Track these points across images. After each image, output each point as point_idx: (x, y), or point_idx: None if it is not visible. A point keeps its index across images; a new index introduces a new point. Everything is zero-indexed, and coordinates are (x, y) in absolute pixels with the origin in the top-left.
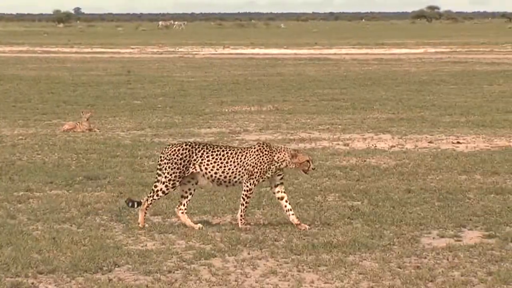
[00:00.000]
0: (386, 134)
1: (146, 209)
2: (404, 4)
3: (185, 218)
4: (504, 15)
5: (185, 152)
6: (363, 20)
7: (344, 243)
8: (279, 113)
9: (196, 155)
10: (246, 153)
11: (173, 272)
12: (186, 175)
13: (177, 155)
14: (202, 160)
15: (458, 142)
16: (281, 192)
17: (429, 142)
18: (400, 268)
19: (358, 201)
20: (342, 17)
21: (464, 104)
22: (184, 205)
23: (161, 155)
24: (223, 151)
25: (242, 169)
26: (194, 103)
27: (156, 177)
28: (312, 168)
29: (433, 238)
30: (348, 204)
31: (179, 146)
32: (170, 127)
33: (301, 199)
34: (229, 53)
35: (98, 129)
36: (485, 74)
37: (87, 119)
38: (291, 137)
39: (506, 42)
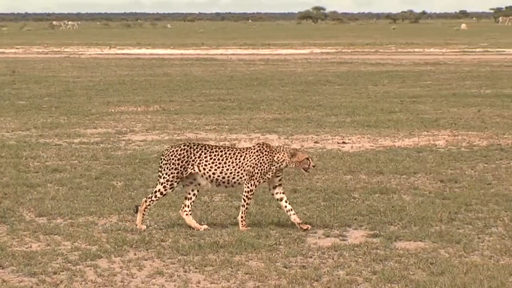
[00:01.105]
0: (272, 134)
1: (144, 211)
2: (290, 5)
3: (189, 220)
4: (388, 16)
5: (183, 153)
6: (250, 20)
7: (230, 243)
8: (166, 114)
9: (194, 155)
10: (245, 153)
11: (58, 274)
12: (184, 175)
13: (175, 156)
14: (200, 160)
15: (344, 142)
16: (280, 193)
17: (315, 142)
18: (286, 268)
19: None
20: (229, 17)
21: (350, 104)
22: (188, 206)
23: (161, 156)
24: (221, 151)
25: (241, 170)
26: (80, 104)
27: (158, 179)
28: (313, 166)
29: (319, 237)
30: (235, 204)
31: (178, 147)
32: (55, 128)
33: None
34: (115, 53)
35: None
36: (370, 74)
37: None
38: (178, 138)
39: (390, 43)
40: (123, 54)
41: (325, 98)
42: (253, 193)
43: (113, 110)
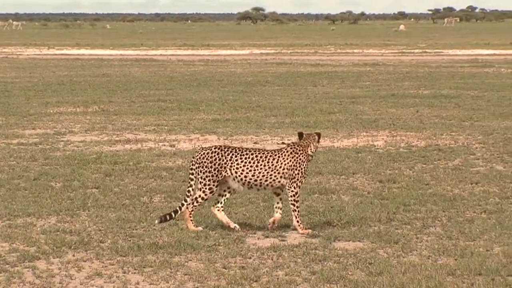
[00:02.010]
0: (212, 135)
1: (190, 217)
2: (230, 6)
3: (221, 215)
4: (327, 17)
5: (215, 156)
6: (189, 21)
7: (170, 244)
8: (105, 114)
9: (226, 158)
10: (279, 156)
11: None
12: (220, 178)
13: (207, 159)
14: (232, 163)
15: (283, 143)
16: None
17: (254, 143)
18: (225, 269)
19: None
20: (168, 18)
21: (289, 105)
22: (221, 203)
23: (192, 159)
24: (252, 154)
25: (274, 172)
26: (18, 104)
27: (189, 182)
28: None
29: (258, 238)
30: (174, 205)
31: (209, 149)
32: None
33: (127, 200)
34: (54, 54)
35: None
36: (309, 75)
37: None
38: (117, 138)
39: (329, 43)
40: (62, 54)
41: (265, 98)
42: (299, 195)
43: (51, 111)
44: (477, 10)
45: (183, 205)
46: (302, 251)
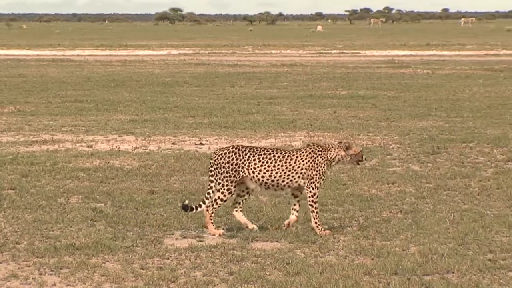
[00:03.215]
0: (129, 136)
1: (211, 219)
2: (147, 6)
3: (240, 216)
4: (245, 18)
5: (232, 155)
6: (107, 21)
7: (87, 245)
8: (21, 115)
9: (243, 158)
10: (297, 156)
11: None
12: (238, 178)
13: (224, 160)
14: (249, 163)
15: (201, 144)
16: (299, 191)
17: (172, 144)
18: (143, 269)
19: (101, 203)
20: (85, 18)
21: (207, 105)
22: (239, 203)
23: (211, 160)
24: (269, 154)
25: (291, 173)
26: None
27: (208, 183)
28: (364, 159)
29: (176, 239)
30: (92, 206)
31: (226, 149)
32: None
33: (43, 201)
34: None
35: None
36: (227, 76)
37: None
38: (34, 139)
39: (247, 44)
40: None
41: (183, 99)
42: (317, 196)
43: None
44: (393, 11)
45: (202, 204)
46: (220, 252)
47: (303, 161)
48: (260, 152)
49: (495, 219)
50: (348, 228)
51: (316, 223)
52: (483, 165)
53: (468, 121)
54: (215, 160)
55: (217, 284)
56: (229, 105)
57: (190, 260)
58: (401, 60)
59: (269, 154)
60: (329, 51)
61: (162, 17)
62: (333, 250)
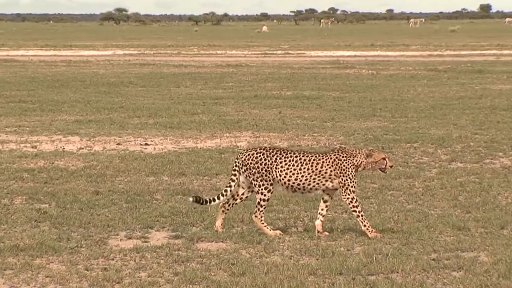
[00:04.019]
0: (74, 136)
1: (262, 223)
2: (92, 6)
3: (220, 216)
4: (190, 18)
5: (260, 156)
6: (51, 21)
7: (31, 246)
8: None
9: (271, 159)
10: (323, 161)
11: None
12: (272, 177)
13: (252, 161)
14: (276, 165)
15: (146, 144)
16: (330, 195)
17: (117, 144)
18: (88, 270)
19: (45, 203)
20: (30, 18)
21: (152, 106)
22: (230, 205)
23: (236, 160)
24: (296, 156)
25: (318, 176)
26: None
27: (229, 182)
28: (390, 166)
29: (121, 239)
30: (36, 207)
31: (254, 151)
32: None
33: None
34: None
35: None
36: (173, 76)
37: None
38: None
39: (192, 44)
40: None
41: (128, 99)
42: (356, 199)
43: None
44: (338, 12)
45: (216, 199)
46: (165, 252)
47: (328, 166)
48: (286, 154)
49: (439, 219)
50: (293, 228)
51: (365, 225)
52: (427, 165)
53: (413, 122)
54: (242, 161)
55: (162, 285)
56: (174, 106)
57: (135, 260)
58: (346, 60)
59: (295, 157)
60: (275, 52)
61: (107, 17)
62: (278, 251)
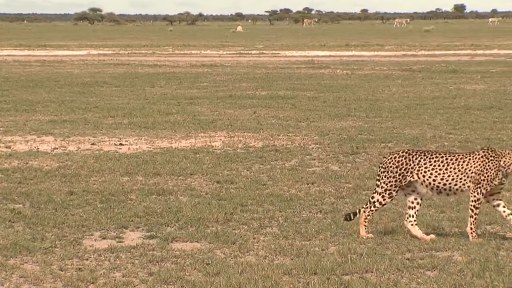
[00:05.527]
0: (48, 136)
1: (365, 221)
2: (66, 6)
3: (415, 230)
4: (165, 18)
5: (402, 160)
6: (25, 21)
7: (5, 246)
8: None
9: (413, 162)
10: (469, 159)
11: None
12: (403, 183)
13: (393, 164)
14: (420, 167)
15: (121, 144)
16: (497, 199)
17: (92, 144)
18: (62, 271)
19: (19, 203)
20: (3, 18)
21: (127, 106)
22: (412, 216)
23: (380, 164)
24: (442, 157)
25: (464, 176)
26: None
27: (375, 188)
28: None
29: (95, 239)
30: (10, 207)
31: (396, 154)
32: None
33: None
34: None
35: None
36: (147, 76)
37: None
38: None
39: (167, 44)
40: None
41: (102, 99)
42: (480, 202)
43: None
44: (313, 12)
45: (374, 207)
46: (139, 252)
47: (474, 164)
48: (431, 156)
49: None
50: (267, 228)
51: (471, 228)
52: None
53: (387, 121)
54: (384, 164)
55: (137, 285)
56: (149, 106)
57: (109, 261)
58: (320, 60)
59: (441, 157)
60: (249, 52)
61: (81, 17)
62: (253, 250)
